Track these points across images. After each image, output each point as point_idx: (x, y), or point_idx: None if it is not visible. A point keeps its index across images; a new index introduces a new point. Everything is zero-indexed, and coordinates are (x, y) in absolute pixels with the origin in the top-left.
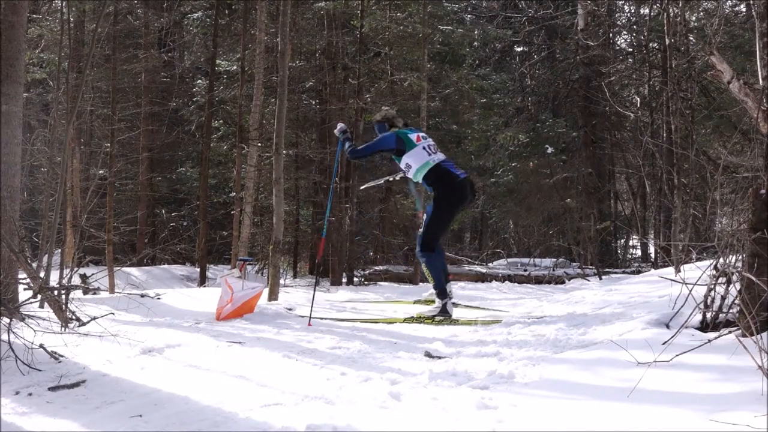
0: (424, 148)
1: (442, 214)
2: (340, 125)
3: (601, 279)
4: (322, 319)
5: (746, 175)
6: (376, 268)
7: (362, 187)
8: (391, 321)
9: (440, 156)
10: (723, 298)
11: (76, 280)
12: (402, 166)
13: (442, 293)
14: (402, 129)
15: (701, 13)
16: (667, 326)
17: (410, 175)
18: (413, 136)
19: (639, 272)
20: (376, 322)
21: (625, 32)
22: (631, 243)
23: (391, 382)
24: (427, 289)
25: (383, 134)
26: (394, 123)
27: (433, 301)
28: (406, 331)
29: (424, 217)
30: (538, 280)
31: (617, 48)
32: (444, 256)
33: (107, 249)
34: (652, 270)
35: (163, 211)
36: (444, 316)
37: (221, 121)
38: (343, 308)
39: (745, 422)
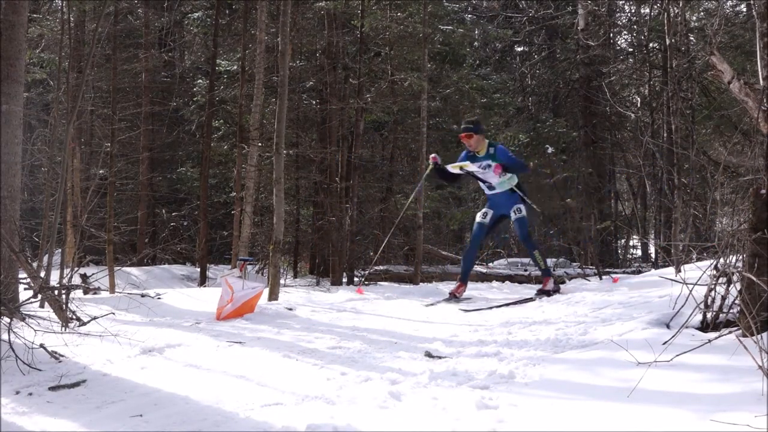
0: None
1: None
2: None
3: (601, 279)
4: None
5: (747, 176)
6: (376, 268)
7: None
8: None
9: None
10: (723, 298)
11: (77, 280)
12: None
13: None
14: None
15: (701, 13)
16: (668, 326)
17: (499, 179)
18: None
19: (639, 272)
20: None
21: (625, 32)
22: (631, 243)
23: (391, 381)
24: (426, 290)
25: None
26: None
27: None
28: (406, 331)
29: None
30: (539, 280)
31: (617, 48)
32: None
33: (107, 249)
34: (653, 270)
35: (164, 211)
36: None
37: (222, 121)
38: (344, 308)
39: (745, 422)
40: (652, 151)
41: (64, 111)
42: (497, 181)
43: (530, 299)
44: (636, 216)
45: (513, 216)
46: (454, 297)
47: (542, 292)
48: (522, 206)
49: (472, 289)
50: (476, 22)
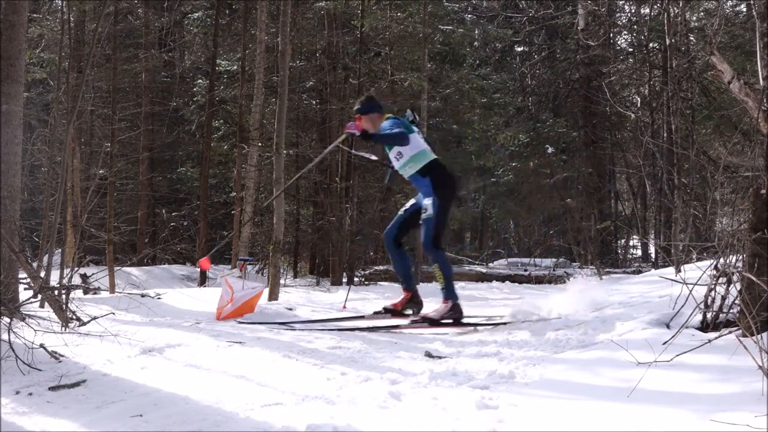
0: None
1: (447, 210)
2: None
3: (601, 279)
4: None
5: (746, 174)
6: (376, 268)
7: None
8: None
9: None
10: (723, 298)
11: (77, 280)
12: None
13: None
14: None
15: (701, 13)
16: (668, 326)
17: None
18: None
19: (639, 272)
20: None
21: (625, 32)
22: (631, 243)
23: (391, 381)
24: (427, 291)
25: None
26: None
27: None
28: (406, 330)
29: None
30: (539, 280)
31: (617, 48)
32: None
33: (107, 249)
34: (653, 270)
35: (164, 211)
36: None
37: (221, 121)
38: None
39: (745, 422)
40: (652, 151)
41: (64, 111)
42: (398, 165)
43: (396, 326)
44: (636, 216)
45: (422, 214)
46: (390, 311)
47: (426, 319)
48: (431, 203)
49: (473, 289)
50: (476, 22)
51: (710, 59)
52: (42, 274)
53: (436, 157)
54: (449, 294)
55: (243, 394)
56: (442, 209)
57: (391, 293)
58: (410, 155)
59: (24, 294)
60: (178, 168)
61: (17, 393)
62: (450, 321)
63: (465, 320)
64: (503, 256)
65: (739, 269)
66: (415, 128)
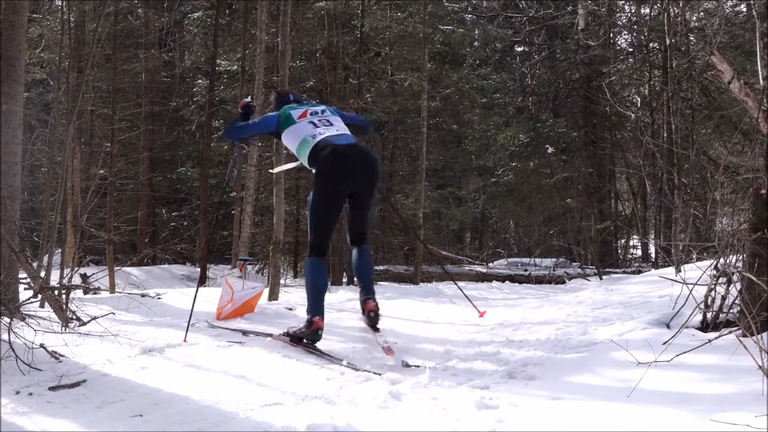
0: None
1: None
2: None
3: (601, 279)
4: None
5: (747, 174)
6: (376, 267)
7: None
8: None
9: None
10: (723, 298)
11: (77, 280)
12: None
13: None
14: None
15: (701, 13)
16: (668, 326)
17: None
18: (297, 112)
19: (639, 272)
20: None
21: (625, 32)
22: (631, 243)
23: (391, 382)
24: (427, 291)
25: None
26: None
27: None
28: (405, 330)
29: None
30: (539, 280)
31: (618, 48)
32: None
33: (107, 249)
34: (653, 270)
35: (164, 211)
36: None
37: (222, 121)
38: (343, 308)
39: (745, 422)
40: (652, 151)
41: (64, 111)
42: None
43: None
44: (636, 216)
45: None
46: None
47: (287, 334)
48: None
49: (473, 289)
50: (476, 22)
51: (710, 59)
52: (42, 274)
53: (321, 138)
54: (313, 309)
55: (243, 394)
56: (312, 204)
57: (392, 293)
58: (294, 150)
59: (24, 294)
60: (178, 168)
61: (17, 393)
62: (304, 341)
63: (321, 348)
64: (503, 256)
65: (739, 269)
66: (303, 113)
